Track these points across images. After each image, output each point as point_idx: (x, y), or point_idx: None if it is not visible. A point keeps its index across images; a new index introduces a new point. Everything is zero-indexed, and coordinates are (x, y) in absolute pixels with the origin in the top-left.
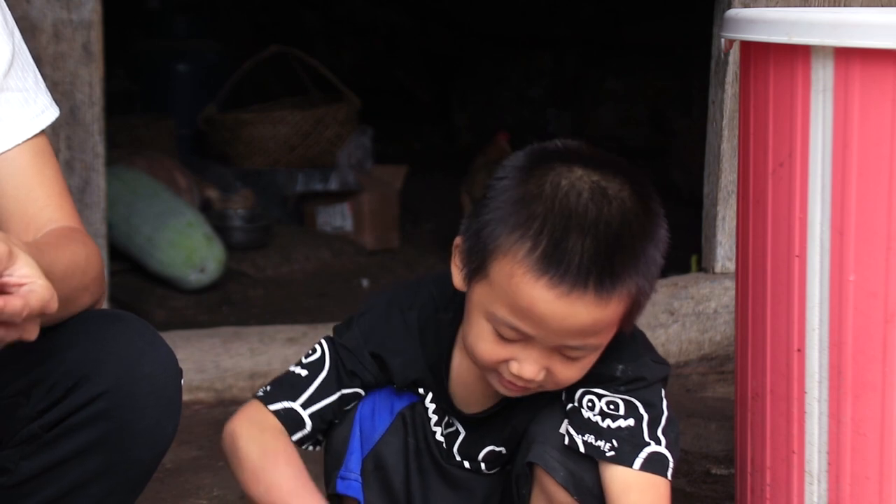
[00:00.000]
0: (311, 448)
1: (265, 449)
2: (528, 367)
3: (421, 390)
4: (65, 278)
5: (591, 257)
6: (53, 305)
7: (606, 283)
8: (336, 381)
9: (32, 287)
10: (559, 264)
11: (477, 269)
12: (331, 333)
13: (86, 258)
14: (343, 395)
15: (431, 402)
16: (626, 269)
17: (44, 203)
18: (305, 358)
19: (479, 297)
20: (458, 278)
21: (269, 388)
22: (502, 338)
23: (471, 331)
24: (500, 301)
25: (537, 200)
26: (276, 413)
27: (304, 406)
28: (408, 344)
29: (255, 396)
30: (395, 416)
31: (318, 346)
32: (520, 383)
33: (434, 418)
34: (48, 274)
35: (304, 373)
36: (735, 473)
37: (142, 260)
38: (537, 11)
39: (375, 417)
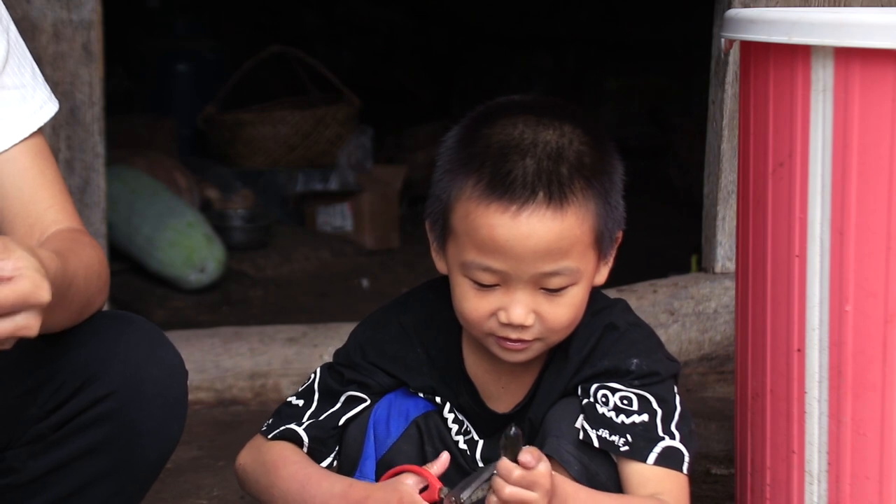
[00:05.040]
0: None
1: (266, 466)
2: (514, 311)
3: (438, 399)
4: (86, 286)
5: (534, 172)
6: (41, 297)
7: (556, 192)
8: (332, 398)
9: (22, 274)
10: (504, 186)
11: (443, 229)
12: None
13: (99, 262)
14: (349, 397)
15: (450, 411)
16: (575, 177)
17: (47, 205)
18: (300, 387)
19: (452, 256)
20: (438, 261)
21: (270, 420)
22: (481, 286)
23: (454, 296)
24: (466, 246)
25: (477, 142)
26: (275, 437)
27: (301, 425)
28: (407, 348)
29: (259, 432)
30: (409, 424)
31: (312, 374)
32: (514, 334)
33: (454, 427)
34: (71, 281)
35: (300, 402)
36: (735, 473)
37: (142, 260)
38: (537, 11)
39: (390, 423)
